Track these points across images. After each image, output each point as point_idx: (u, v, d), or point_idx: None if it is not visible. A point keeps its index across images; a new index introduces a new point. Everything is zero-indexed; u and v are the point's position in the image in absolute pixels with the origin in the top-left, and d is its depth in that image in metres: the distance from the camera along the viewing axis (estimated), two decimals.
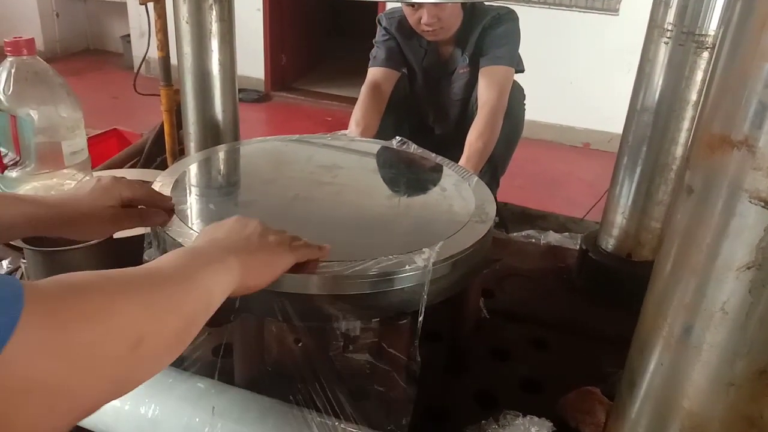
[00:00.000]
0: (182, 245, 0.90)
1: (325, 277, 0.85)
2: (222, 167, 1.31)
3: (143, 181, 1.03)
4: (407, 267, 0.86)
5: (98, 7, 6.42)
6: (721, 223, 0.55)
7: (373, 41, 2.08)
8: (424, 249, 0.89)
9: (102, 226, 0.93)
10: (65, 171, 1.41)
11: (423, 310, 0.85)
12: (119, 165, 1.85)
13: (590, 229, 1.50)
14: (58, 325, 0.43)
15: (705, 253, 0.56)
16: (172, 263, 0.61)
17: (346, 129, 1.92)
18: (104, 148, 2.26)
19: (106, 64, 6.26)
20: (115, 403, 0.86)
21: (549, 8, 4.53)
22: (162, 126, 1.88)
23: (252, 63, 5.42)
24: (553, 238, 1.62)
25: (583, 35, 4.51)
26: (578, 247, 1.45)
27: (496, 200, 1.95)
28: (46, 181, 1.39)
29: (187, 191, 1.13)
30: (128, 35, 6.08)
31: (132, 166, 1.89)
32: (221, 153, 1.33)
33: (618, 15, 4.42)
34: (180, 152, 1.79)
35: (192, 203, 1.09)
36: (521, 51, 2.01)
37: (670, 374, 0.63)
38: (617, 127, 1.39)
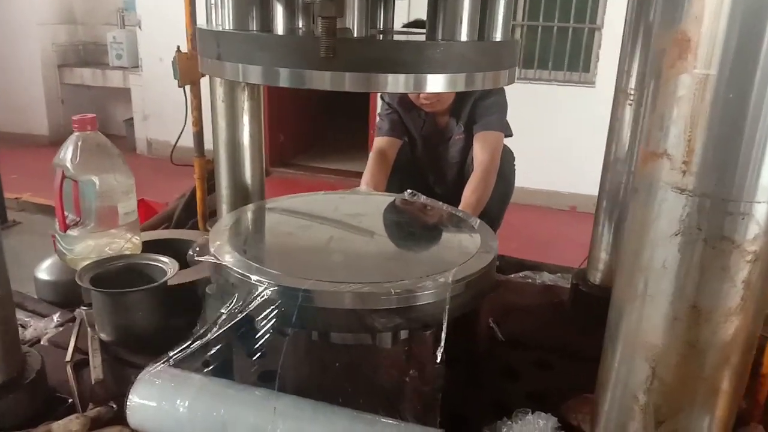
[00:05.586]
0: (245, 277, 1.10)
1: (362, 293, 1.04)
2: (266, 217, 1.53)
3: None
4: (431, 284, 1.06)
5: (102, 93, 6.76)
6: None
7: (377, 114, 2.34)
8: (444, 272, 1.09)
9: None
10: (115, 231, 1.60)
11: (446, 319, 1.04)
12: (153, 228, 2.05)
13: None
14: None
15: None
16: None
17: None
18: None
19: None
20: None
21: (530, 83, 4.91)
22: (189, 194, 2.10)
23: None
24: (547, 278, 1.81)
25: (564, 106, 4.87)
26: (570, 282, 1.65)
27: None
28: (100, 240, 1.58)
29: (242, 234, 1.35)
30: (131, 119, 6.42)
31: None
32: (262, 207, 1.54)
33: (595, 87, 4.80)
34: (210, 215, 1.98)
35: (249, 242, 1.32)
36: (508, 119, 2.27)
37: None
38: None
